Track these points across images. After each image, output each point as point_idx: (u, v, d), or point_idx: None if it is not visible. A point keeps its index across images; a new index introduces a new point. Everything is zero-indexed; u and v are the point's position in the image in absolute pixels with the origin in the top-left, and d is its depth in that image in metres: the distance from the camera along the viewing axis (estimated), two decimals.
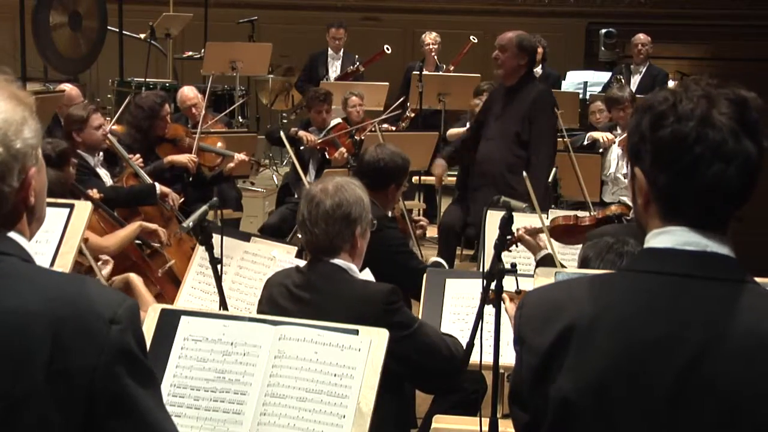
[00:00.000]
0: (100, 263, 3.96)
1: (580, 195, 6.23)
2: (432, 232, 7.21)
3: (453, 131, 8.04)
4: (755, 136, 1.50)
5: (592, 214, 4.27)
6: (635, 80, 9.19)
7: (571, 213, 4.27)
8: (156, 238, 4.94)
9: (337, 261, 3.00)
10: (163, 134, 6.40)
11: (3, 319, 1.46)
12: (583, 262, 3.05)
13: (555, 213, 4.62)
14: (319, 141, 7.25)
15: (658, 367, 1.48)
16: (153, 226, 4.91)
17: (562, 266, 3.87)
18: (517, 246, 3.98)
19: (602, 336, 1.52)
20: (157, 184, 5.58)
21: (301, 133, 7.32)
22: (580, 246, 3.51)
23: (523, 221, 4.11)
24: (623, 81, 9.15)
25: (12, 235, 1.54)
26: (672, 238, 1.53)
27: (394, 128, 8.29)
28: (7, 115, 1.51)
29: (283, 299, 3.03)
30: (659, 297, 1.52)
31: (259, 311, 3.14)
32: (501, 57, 5.75)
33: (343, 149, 7.10)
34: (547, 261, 3.92)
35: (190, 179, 6.22)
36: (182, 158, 6.29)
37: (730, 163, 1.48)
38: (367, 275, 3.17)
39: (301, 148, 7.31)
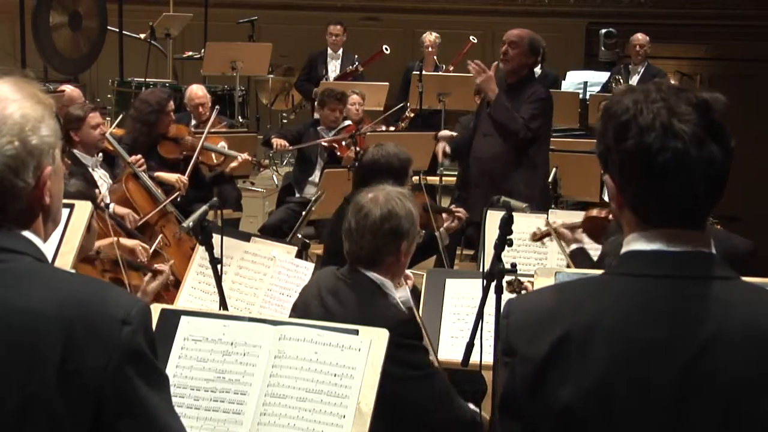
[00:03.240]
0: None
1: (580, 195, 6.23)
2: None
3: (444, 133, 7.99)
4: (720, 138, 1.50)
5: None
6: (634, 80, 9.18)
7: (605, 208, 4.19)
8: (133, 257, 4.53)
9: (373, 275, 2.95)
10: (167, 131, 6.38)
11: (16, 319, 1.47)
12: (599, 258, 3.07)
13: (555, 213, 4.62)
14: (328, 140, 7.24)
15: (660, 369, 1.49)
16: (130, 242, 4.59)
17: (591, 260, 3.84)
18: (551, 239, 3.92)
19: (601, 342, 1.52)
20: (111, 204, 5.31)
21: (274, 139, 7.31)
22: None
23: (525, 220, 4.11)
24: (621, 81, 9.15)
25: (27, 234, 1.55)
26: (657, 240, 1.54)
27: (393, 128, 8.29)
28: (26, 111, 1.52)
29: (311, 297, 3.03)
30: (655, 299, 1.52)
31: (294, 303, 3.13)
32: (510, 53, 5.75)
33: (359, 149, 7.06)
34: (579, 254, 3.88)
35: (179, 199, 5.92)
36: (171, 177, 5.99)
37: (693, 171, 1.49)
38: (403, 292, 3.11)
39: (272, 152, 7.35)
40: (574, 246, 3.96)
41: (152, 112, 6.24)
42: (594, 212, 4.13)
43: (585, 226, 4.09)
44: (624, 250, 1.58)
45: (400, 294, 3.04)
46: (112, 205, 5.33)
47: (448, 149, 6.21)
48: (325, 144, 7.25)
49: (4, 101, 1.52)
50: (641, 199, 1.54)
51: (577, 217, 4.28)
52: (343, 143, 7.22)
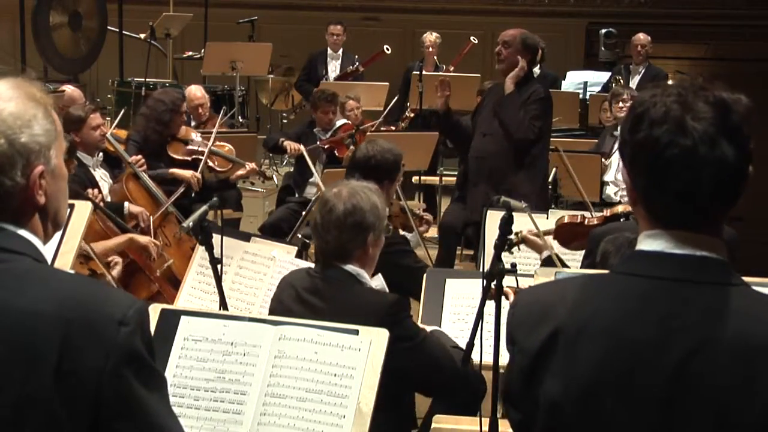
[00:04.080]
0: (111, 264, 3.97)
1: (580, 195, 6.23)
2: (432, 232, 7.22)
3: None
4: (736, 140, 1.47)
5: (599, 214, 4.27)
6: (634, 80, 9.18)
7: (578, 213, 4.27)
8: (146, 254, 4.81)
9: (347, 267, 2.99)
10: (177, 132, 6.40)
11: (14, 319, 1.46)
12: (603, 257, 3.06)
13: (555, 213, 4.62)
14: (325, 141, 7.25)
15: (646, 372, 1.48)
16: (144, 240, 4.82)
17: (565, 266, 3.88)
18: (519, 248, 3.99)
19: (591, 340, 1.52)
20: (126, 203, 5.41)
21: (287, 143, 7.27)
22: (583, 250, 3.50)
23: (524, 221, 4.12)
24: (622, 81, 9.15)
25: (24, 233, 1.54)
26: (662, 240, 1.53)
27: (393, 128, 8.29)
28: (16, 109, 1.52)
29: (290, 300, 3.03)
30: (648, 301, 1.51)
31: (270, 308, 3.14)
32: (504, 52, 5.80)
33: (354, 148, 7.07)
34: (550, 262, 3.93)
35: (193, 195, 6.09)
36: (186, 174, 6.14)
37: (700, 170, 1.46)
38: (378, 280, 3.15)
39: (286, 155, 7.25)
40: (546, 253, 4.00)
41: (166, 111, 6.26)
42: (566, 218, 4.19)
43: (557, 232, 4.15)
44: (636, 248, 1.58)
45: (375, 283, 3.08)
46: (127, 205, 5.38)
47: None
48: (325, 146, 7.25)
49: None
50: (649, 195, 1.53)
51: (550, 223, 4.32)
52: (345, 143, 7.25)
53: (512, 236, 3.99)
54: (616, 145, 7.12)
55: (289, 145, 7.19)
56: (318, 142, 7.23)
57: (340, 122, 7.44)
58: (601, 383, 1.50)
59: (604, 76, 9.98)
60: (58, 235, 2.96)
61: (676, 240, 1.52)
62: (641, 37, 9.29)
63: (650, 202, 1.53)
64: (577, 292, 1.60)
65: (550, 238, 4.11)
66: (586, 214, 4.33)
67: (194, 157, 6.38)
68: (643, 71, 9.24)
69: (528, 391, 1.57)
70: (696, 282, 1.50)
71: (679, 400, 1.46)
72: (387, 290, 3.16)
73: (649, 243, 1.54)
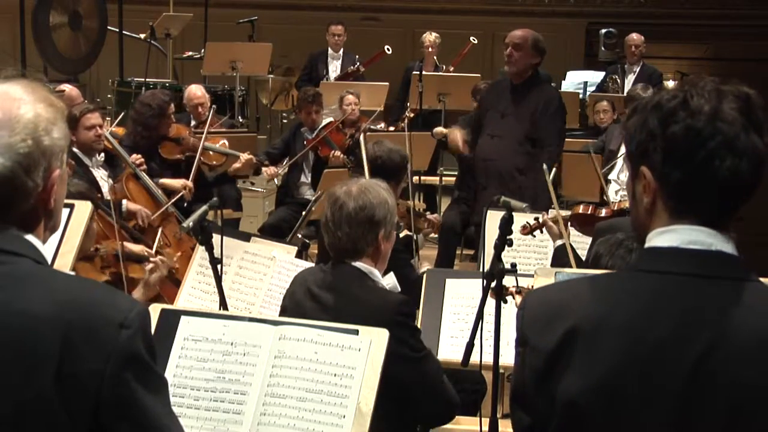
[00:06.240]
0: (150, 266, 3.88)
1: (580, 195, 6.23)
2: None
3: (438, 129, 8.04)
4: (760, 132, 1.50)
5: (609, 207, 4.40)
6: (629, 80, 9.21)
7: (590, 204, 4.41)
8: (137, 219, 5.02)
9: (359, 264, 2.98)
10: (167, 133, 6.38)
11: (14, 321, 1.46)
12: (594, 259, 3.07)
13: (555, 213, 4.64)
14: (311, 140, 7.28)
15: (665, 367, 1.48)
16: (137, 248, 4.69)
17: (577, 255, 3.92)
18: (542, 231, 4.06)
19: (608, 337, 1.51)
20: (124, 201, 5.40)
21: (264, 169, 7.15)
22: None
23: (525, 220, 4.15)
24: (618, 81, 9.17)
25: (27, 237, 1.55)
26: (677, 236, 1.53)
27: (393, 128, 8.29)
28: (40, 111, 1.53)
29: (302, 296, 3.02)
30: (665, 297, 1.51)
31: (283, 305, 3.14)
32: (515, 55, 5.72)
33: (338, 152, 7.14)
34: (562, 250, 3.98)
35: (185, 205, 5.97)
36: (176, 183, 6.02)
37: (742, 157, 1.48)
38: (390, 279, 3.15)
39: (278, 184, 7.26)
40: (559, 242, 4.05)
41: (153, 116, 6.23)
42: (580, 208, 4.37)
43: (572, 218, 4.32)
44: (646, 246, 1.58)
45: (387, 281, 3.07)
46: (125, 203, 5.37)
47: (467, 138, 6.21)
48: (309, 146, 7.29)
49: (18, 101, 1.52)
50: (686, 186, 1.51)
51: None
52: (346, 141, 7.30)
53: (532, 221, 4.10)
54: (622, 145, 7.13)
55: (266, 171, 7.14)
56: (304, 142, 7.29)
57: (324, 121, 7.47)
58: (619, 380, 1.50)
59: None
60: (57, 234, 2.97)
61: (692, 235, 1.52)
62: (634, 37, 9.34)
63: (687, 194, 1.52)
64: (590, 291, 1.59)
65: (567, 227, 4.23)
66: (599, 205, 4.49)
67: (188, 154, 6.37)
68: (638, 71, 9.29)
69: (542, 392, 1.55)
70: (711, 277, 1.51)
71: (696, 396, 1.47)
72: (399, 289, 3.15)
73: (663, 239, 1.54)
